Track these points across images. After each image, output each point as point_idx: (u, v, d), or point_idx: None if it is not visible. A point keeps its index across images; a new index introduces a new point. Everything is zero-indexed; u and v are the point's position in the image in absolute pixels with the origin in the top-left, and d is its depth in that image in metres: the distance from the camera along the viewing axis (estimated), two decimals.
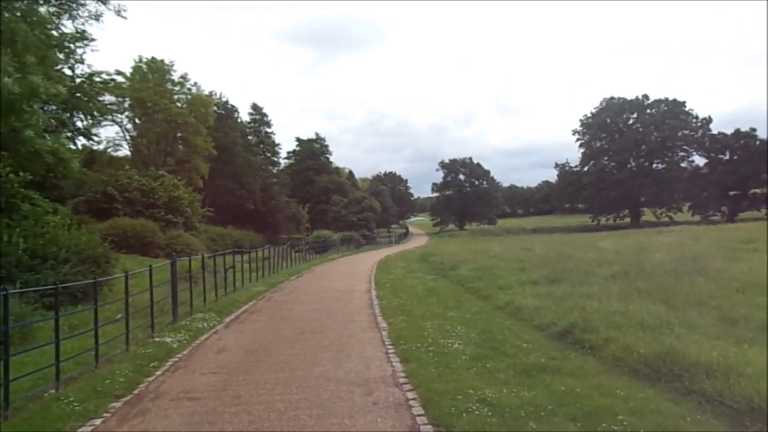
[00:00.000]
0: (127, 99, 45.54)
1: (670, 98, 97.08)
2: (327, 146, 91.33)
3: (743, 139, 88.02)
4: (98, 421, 6.59)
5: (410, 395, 7.14)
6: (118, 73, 42.19)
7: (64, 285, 10.59)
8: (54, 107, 24.55)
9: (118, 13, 26.74)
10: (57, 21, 24.45)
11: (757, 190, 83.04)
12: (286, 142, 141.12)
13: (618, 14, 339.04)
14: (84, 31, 27.06)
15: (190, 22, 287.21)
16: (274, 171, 77.90)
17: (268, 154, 76.16)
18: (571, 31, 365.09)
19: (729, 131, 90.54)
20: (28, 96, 15.84)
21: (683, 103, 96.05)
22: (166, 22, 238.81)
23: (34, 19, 19.04)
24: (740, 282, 12.63)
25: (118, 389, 7.79)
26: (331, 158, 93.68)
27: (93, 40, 28.13)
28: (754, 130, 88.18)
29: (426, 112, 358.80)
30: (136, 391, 7.81)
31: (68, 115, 28.74)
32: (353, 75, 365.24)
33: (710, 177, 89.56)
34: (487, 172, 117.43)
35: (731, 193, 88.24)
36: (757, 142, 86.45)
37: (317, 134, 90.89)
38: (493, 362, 8.51)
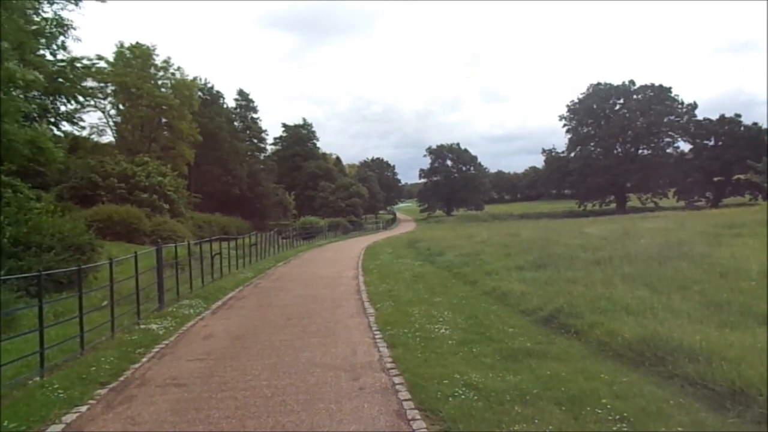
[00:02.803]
0: (110, 84, 44.87)
1: (656, 84, 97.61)
2: (314, 132, 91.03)
3: (728, 125, 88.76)
4: (83, 408, 6.56)
5: (397, 380, 7.17)
6: (100, 58, 41.48)
7: (47, 272, 10.47)
8: (35, 93, 24.11)
9: None
10: (36, 6, 23.98)
11: (741, 176, 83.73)
12: (273, 128, 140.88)
13: (604, 1, 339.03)
14: (62, 17, 26.60)
15: (173, 9, 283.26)
16: (261, 157, 77.46)
17: (255, 140, 75.68)
18: (557, 17, 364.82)
19: (714, 117, 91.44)
20: (4, 83, 15.47)
21: (669, 89, 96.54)
22: (148, 9, 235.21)
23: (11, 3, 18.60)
24: (723, 267, 12.72)
25: (104, 376, 7.75)
26: (318, 144, 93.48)
27: (74, 28, 27.66)
28: (738, 116, 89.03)
29: (412, 98, 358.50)
30: (121, 378, 7.78)
31: (50, 99, 28.29)
32: (340, 61, 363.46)
33: (695, 163, 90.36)
34: (474, 158, 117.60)
35: (715, 178, 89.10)
36: (741, 128, 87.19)
37: (304, 120, 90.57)
38: (479, 347, 8.56)
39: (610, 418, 5.56)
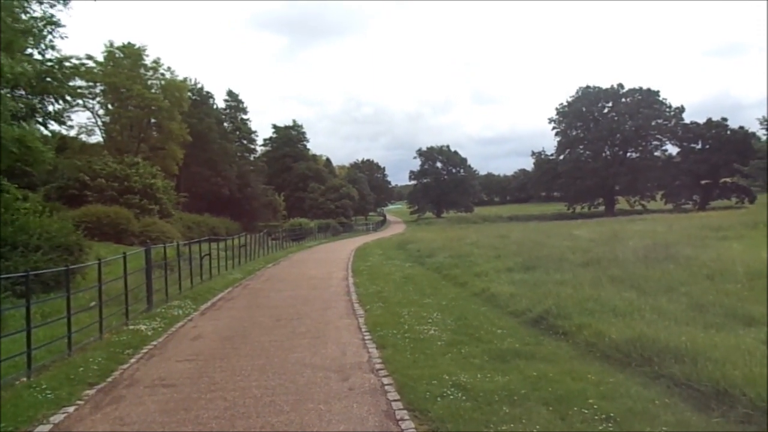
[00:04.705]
0: (99, 84, 44.55)
1: (644, 87, 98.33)
2: (304, 133, 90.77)
3: (714, 129, 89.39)
4: (71, 409, 6.53)
5: (386, 381, 7.20)
6: (89, 57, 41.20)
7: (35, 272, 10.40)
8: (22, 92, 23.87)
9: None
10: (25, 4, 23.74)
11: (728, 179, 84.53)
12: (263, 129, 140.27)
13: (593, 4, 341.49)
14: (52, 15, 26.36)
15: (163, 9, 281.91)
16: (251, 158, 77.19)
17: (245, 141, 75.43)
18: (547, 21, 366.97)
19: (701, 120, 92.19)
20: None
21: (657, 93, 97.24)
22: (138, 9, 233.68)
23: None
24: (710, 269, 12.85)
25: (92, 377, 7.72)
26: (309, 145, 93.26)
27: (62, 25, 27.41)
28: (725, 119, 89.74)
29: (403, 100, 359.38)
30: (110, 379, 7.75)
31: (38, 99, 28.04)
32: (330, 62, 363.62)
33: (683, 166, 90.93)
34: (464, 160, 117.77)
35: (703, 182, 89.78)
36: (728, 132, 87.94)
37: (294, 121, 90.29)
38: (468, 348, 8.60)
39: (596, 417, 5.62)
